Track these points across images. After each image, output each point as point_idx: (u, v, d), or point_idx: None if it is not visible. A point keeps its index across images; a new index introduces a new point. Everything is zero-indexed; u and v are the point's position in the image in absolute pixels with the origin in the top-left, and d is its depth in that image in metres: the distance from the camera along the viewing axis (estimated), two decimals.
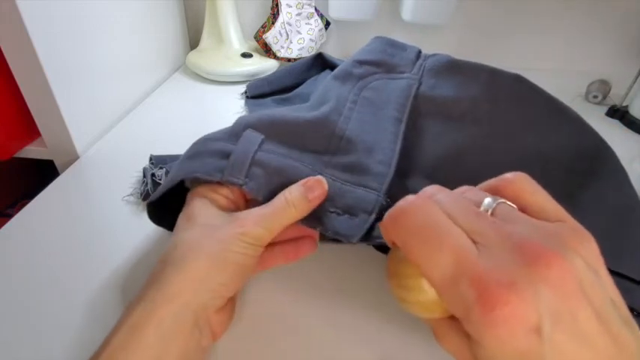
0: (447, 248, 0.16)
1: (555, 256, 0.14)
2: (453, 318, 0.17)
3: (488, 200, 0.17)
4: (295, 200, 0.25)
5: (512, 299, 0.14)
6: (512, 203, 0.17)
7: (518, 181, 0.18)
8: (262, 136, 0.28)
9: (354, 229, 0.25)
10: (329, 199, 0.26)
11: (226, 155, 0.27)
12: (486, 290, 0.14)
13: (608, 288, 0.15)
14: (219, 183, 0.26)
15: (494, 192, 0.18)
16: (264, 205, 0.25)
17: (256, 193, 0.26)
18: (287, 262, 0.27)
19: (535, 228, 0.16)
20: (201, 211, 0.25)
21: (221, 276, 0.22)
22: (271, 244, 0.26)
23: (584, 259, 0.15)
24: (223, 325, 0.24)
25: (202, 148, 0.28)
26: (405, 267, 0.17)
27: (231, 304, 0.25)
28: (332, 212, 0.26)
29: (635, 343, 0.14)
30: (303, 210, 0.25)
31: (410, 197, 0.18)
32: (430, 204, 0.17)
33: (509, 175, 0.18)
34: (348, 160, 0.29)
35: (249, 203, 0.28)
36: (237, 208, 0.27)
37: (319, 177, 0.26)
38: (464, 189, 0.19)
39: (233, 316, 0.25)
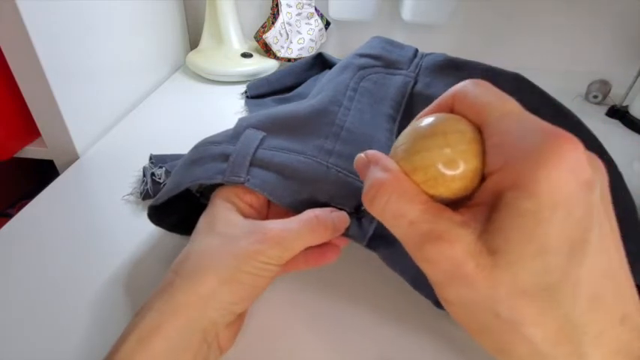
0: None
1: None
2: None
3: None
4: (326, 220, 0.23)
5: (575, 140, 0.13)
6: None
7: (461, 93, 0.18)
8: (263, 134, 0.28)
9: (362, 228, 0.25)
10: (337, 195, 0.26)
11: (227, 157, 0.27)
12: (552, 127, 0.14)
13: None
14: (244, 189, 0.26)
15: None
16: (290, 219, 0.23)
17: (260, 189, 0.25)
18: (307, 268, 0.26)
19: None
20: (223, 217, 0.24)
21: (231, 296, 0.22)
22: None
23: None
24: (232, 339, 0.24)
25: (204, 153, 0.28)
26: (423, 145, 0.17)
27: (240, 317, 0.24)
28: (341, 210, 0.26)
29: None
30: (328, 235, 0.23)
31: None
32: None
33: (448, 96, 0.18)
34: (349, 150, 0.29)
35: (272, 212, 0.27)
36: (260, 217, 0.26)
37: (345, 214, 0.25)
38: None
39: (241, 328, 0.25)
